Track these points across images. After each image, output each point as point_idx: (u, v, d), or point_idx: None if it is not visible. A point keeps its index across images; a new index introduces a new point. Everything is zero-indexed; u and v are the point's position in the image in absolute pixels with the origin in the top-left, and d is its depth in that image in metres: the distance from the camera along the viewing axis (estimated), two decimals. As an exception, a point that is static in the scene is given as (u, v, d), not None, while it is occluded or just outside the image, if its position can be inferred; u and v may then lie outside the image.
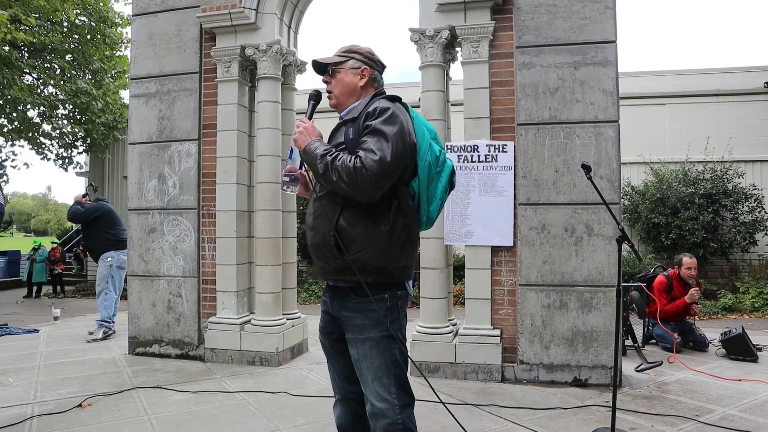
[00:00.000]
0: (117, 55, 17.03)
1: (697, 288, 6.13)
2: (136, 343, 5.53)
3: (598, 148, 4.52)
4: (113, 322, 6.66)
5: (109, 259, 6.72)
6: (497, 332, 4.60)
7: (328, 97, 2.24)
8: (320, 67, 2.24)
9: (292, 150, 2.20)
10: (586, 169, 3.51)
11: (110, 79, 16.88)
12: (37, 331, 7.12)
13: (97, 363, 5.29)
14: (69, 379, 4.73)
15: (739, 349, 5.45)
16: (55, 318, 8.23)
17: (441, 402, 2.42)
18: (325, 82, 2.25)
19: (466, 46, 4.73)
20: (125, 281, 6.19)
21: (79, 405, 3.97)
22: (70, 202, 7.09)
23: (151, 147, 5.48)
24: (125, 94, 18.14)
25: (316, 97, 2.27)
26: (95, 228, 6.84)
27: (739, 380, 4.68)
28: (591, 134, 4.54)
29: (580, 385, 4.46)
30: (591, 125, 4.55)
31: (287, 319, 5.38)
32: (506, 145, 4.67)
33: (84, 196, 7.02)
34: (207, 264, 5.36)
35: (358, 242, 2.01)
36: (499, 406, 3.90)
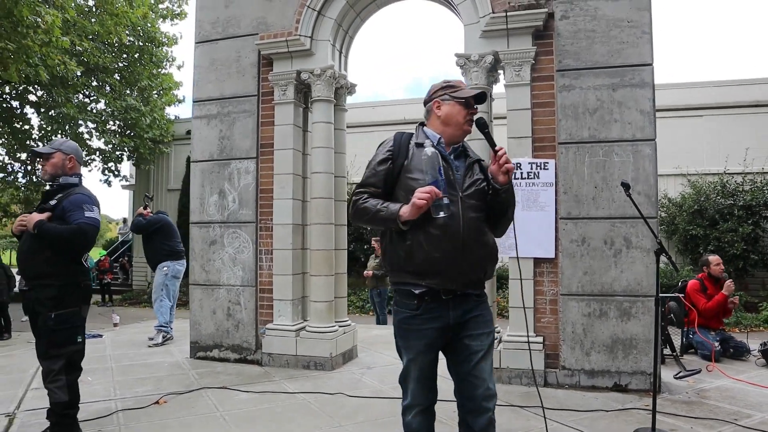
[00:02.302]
0: (162, 73, 17.87)
1: (731, 280, 6.28)
2: (198, 347, 5.94)
3: (636, 165, 4.76)
4: (171, 328, 7.11)
5: (165, 268, 7.16)
6: (540, 339, 4.85)
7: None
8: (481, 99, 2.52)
9: (440, 170, 2.28)
10: (626, 186, 3.78)
11: (156, 96, 17.67)
12: (101, 336, 7.61)
13: (163, 365, 5.71)
14: (142, 379, 5.15)
15: (778, 357, 5.57)
16: (115, 324, 8.77)
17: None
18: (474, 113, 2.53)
19: (509, 70, 5.03)
20: (186, 290, 6.61)
21: (156, 402, 4.37)
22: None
23: (212, 165, 5.92)
24: (170, 110, 19.00)
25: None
26: (154, 239, 7.31)
27: (778, 388, 4.82)
28: (629, 152, 4.78)
29: (620, 390, 4.67)
30: (629, 143, 4.79)
31: (339, 326, 5.72)
32: (548, 162, 4.95)
33: (145, 208, 7.50)
34: (264, 274, 5.74)
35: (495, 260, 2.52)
36: (547, 408, 4.15)
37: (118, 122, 16.56)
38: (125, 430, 3.75)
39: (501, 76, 5.33)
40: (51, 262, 3.24)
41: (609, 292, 4.75)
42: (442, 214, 2.23)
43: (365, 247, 13.10)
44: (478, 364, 2.40)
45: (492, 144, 2.44)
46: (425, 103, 2.60)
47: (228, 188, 5.83)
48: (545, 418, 3.15)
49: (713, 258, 6.48)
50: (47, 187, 3.59)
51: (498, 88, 5.55)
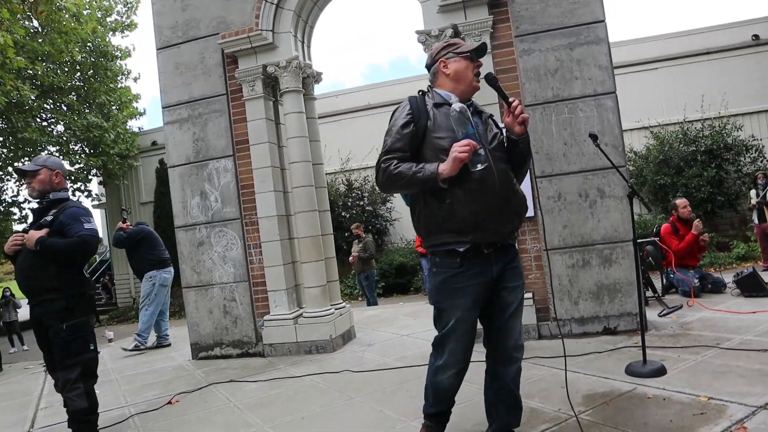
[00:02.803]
0: (119, 87, 17.63)
1: (698, 219, 6.59)
2: (199, 348, 6.02)
3: (600, 119, 4.97)
4: (145, 337, 7.16)
5: (151, 278, 7.20)
6: (529, 295, 5.05)
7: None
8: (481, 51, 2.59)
9: (471, 124, 2.37)
10: (593, 137, 3.97)
11: (116, 111, 17.43)
12: (98, 352, 7.60)
13: (167, 370, 5.79)
14: (149, 384, 5.23)
15: (751, 286, 5.89)
16: (110, 341, 8.77)
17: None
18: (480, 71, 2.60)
19: (470, 41, 5.17)
20: (175, 295, 6.67)
21: (169, 402, 4.47)
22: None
23: (190, 167, 5.97)
24: (132, 123, 18.76)
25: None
26: (138, 251, 7.33)
27: (754, 312, 5.13)
28: (592, 106, 4.99)
29: (610, 333, 4.91)
30: (591, 98, 4.99)
31: (335, 309, 5.86)
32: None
33: (124, 221, 7.50)
34: (255, 268, 5.84)
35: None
36: (541, 357, 4.37)
37: (82, 142, 16.33)
38: (144, 431, 3.85)
39: (462, 48, 5.47)
40: (56, 276, 3.33)
41: (589, 242, 4.98)
42: (479, 166, 2.30)
43: (346, 234, 13.22)
44: (512, 317, 2.54)
45: (505, 97, 2.48)
46: (429, 66, 2.65)
47: (209, 189, 5.90)
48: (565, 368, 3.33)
49: (680, 201, 6.81)
50: (35, 205, 3.64)
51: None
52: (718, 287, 6.42)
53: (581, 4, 4.99)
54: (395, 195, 14.99)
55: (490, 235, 2.42)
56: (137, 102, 18.51)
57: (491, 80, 2.53)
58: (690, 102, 13.26)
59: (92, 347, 3.44)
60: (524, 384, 2.67)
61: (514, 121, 2.43)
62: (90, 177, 17.45)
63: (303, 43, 6.03)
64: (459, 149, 2.25)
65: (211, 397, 4.51)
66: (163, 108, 6.08)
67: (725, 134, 12.56)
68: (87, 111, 16.08)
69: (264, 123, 5.71)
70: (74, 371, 3.32)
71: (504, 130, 2.54)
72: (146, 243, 7.31)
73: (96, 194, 19.09)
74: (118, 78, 17.52)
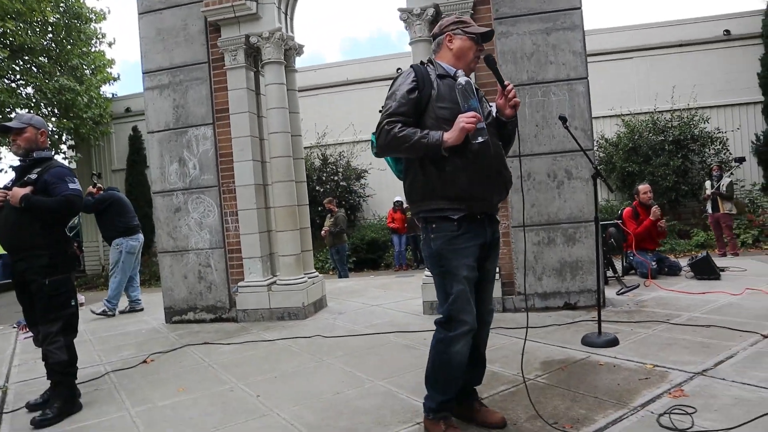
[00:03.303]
0: (93, 50, 17.26)
1: (657, 206, 6.92)
2: (172, 312, 6.13)
3: (572, 103, 5.17)
4: (114, 303, 7.19)
5: (118, 245, 7.14)
6: (496, 269, 5.27)
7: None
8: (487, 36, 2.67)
9: (476, 99, 2.45)
10: (563, 119, 4.15)
11: (90, 75, 17.09)
12: (82, 304, 7.65)
13: (141, 332, 5.89)
14: (123, 345, 5.33)
15: (704, 269, 6.24)
16: (81, 304, 8.76)
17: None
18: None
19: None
20: (146, 263, 6.72)
21: (144, 361, 4.59)
22: None
23: (169, 134, 6.00)
24: (106, 89, 18.40)
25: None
26: (106, 216, 7.26)
27: (704, 293, 5.47)
28: (565, 90, 5.18)
29: (570, 308, 5.18)
30: (564, 83, 5.19)
31: (308, 278, 6.01)
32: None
33: (94, 186, 7.43)
34: (231, 235, 5.95)
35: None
36: (504, 328, 4.60)
37: (53, 105, 15.99)
38: (121, 387, 3.96)
39: (443, 28, 5.60)
40: (40, 234, 3.39)
41: (555, 221, 5.21)
42: (480, 139, 2.40)
43: (319, 209, 13.32)
44: (488, 286, 2.74)
45: (501, 80, 2.57)
46: (435, 36, 2.72)
47: (187, 155, 5.95)
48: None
49: (642, 187, 7.14)
50: (18, 162, 3.67)
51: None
52: (674, 270, 6.77)
53: (559, -10, 5.15)
54: (369, 171, 15.23)
55: (482, 204, 2.56)
56: (111, 67, 18.13)
57: (490, 62, 2.62)
58: (661, 92, 13.59)
59: (73, 303, 3.53)
60: (487, 351, 2.85)
61: (506, 104, 2.56)
62: (62, 141, 17.13)
63: (286, 14, 6.08)
64: (466, 120, 2.35)
65: (186, 357, 4.65)
66: (143, 73, 6.08)
67: (693, 126, 12.96)
68: (59, 74, 15.72)
69: (245, 93, 5.77)
70: (56, 325, 3.41)
71: (494, 111, 2.66)
72: (115, 209, 7.24)
73: (67, 158, 18.75)
74: (92, 41, 17.14)
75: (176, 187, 6.01)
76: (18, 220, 3.38)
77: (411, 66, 2.65)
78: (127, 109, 18.46)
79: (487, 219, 2.63)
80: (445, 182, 2.48)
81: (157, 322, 6.29)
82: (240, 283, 5.89)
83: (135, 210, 7.60)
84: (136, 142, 17.31)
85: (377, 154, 2.69)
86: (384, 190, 15.39)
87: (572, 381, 3.26)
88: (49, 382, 3.50)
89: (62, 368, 3.45)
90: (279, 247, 5.90)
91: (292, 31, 6.21)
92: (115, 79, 18.34)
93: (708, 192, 10.18)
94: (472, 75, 2.80)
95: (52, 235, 3.45)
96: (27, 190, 3.38)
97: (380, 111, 2.61)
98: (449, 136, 2.38)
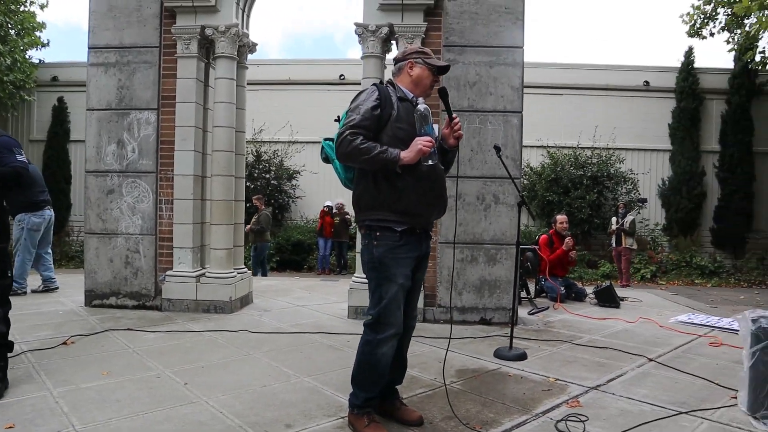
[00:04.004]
0: (21, 10, 16.32)
1: (570, 237, 7.51)
2: (93, 295, 6.00)
3: (506, 133, 5.58)
4: (22, 283, 6.83)
5: (20, 222, 6.77)
6: (421, 281, 5.58)
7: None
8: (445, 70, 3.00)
9: (431, 125, 2.72)
10: (497, 149, 4.51)
11: (16, 37, 16.14)
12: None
13: (58, 313, 5.73)
14: (39, 325, 5.18)
15: (606, 298, 6.86)
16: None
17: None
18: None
19: (402, 42, 5.58)
20: (57, 242, 6.51)
21: (64, 343, 4.50)
22: None
23: (110, 114, 5.91)
24: (33, 54, 17.41)
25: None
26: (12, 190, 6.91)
27: (604, 319, 6.04)
28: (500, 121, 5.59)
29: (486, 323, 5.56)
30: (500, 114, 5.59)
31: (237, 273, 6.08)
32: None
33: None
34: (164, 223, 5.92)
35: None
36: (424, 337, 4.89)
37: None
38: (40, 367, 3.88)
39: (394, 47, 5.88)
40: None
41: (479, 241, 5.58)
42: (430, 162, 2.67)
43: (248, 205, 13.21)
44: (415, 294, 2.99)
45: (450, 112, 2.85)
46: (397, 60, 2.95)
47: (127, 138, 5.88)
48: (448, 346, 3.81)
49: (560, 217, 7.74)
50: None
51: (390, 58, 6.11)
52: (580, 296, 7.37)
53: (505, 28, 5.55)
54: (301, 173, 15.29)
55: (422, 220, 2.82)
56: (41, 31, 17.20)
57: (443, 94, 2.89)
58: (585, 130, 14.59)
59: (9, 274, 3.47)
60: (407, 357, 3.12)
61: (450, 134, 2.84)
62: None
63: (244, 11, 6.15)
64: (423, 143, 2.60)
65: (108, 342, 4.61)
66: (89, 48, 5.95)
67: (609, 164, 14.00)
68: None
69: (194, 83, 5.79)
70: None
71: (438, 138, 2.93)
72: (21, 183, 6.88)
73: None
74: (22, 0, 16.21)
75: (112, 168, 5.91)
76: None
77: (374, 84, 2.87)
78: (54, 78, 17.55)
79: (424, 234, 2.89)
80: (395, 197, 2.71)
81: (75, 305, 6.13)
82: (168, 272, 5.87)
83: (50, 185, 7.22)
84: (60, 114, 16.50)
85: (325, 160, 2.93)
86: (314, 193, 15.53)
87: (483, 388, 3.57)
88: None
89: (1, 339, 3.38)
90: (212, 240, 5.94)
91: (247, 29, 6.29)
92: (44, 45, 17.40)
93: (613, 227, 11.07)
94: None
95: None
96: None
97: (336, 120, 2.84)
98: (406, 155, 2.62)
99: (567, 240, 7.42)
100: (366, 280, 2.92)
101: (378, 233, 2.76)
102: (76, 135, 16.01)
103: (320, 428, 2.88)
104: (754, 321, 3.07)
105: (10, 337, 3.51)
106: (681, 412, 3.16)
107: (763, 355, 3.03)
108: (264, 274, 11.42)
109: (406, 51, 2.97)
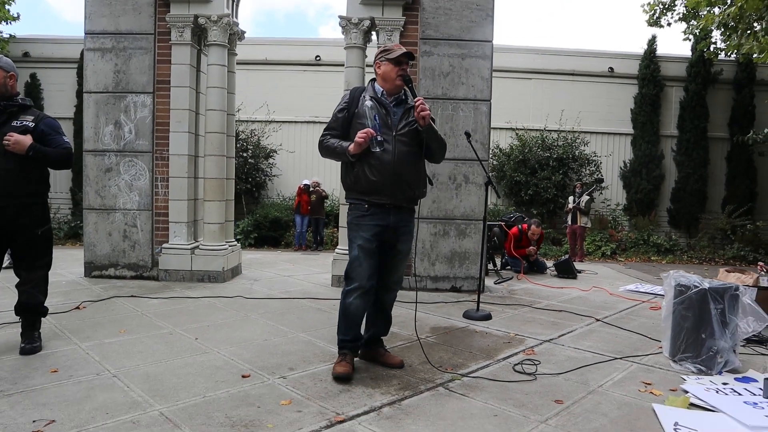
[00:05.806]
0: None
1: (535, 248, 8.13)
2: (93, 267, 6.44)
3: (476, 119, 6.16)
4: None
5: None
6: (399, 253, 6.17)
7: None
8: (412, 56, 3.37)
9: (376, 117, 3.19)
10: (468, 135, 5.09)
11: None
12: None
13: (62, 283, 6.15)
14: (48, 293, 5.58)
15: (565, 270, 7.57)
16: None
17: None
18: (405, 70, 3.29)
19: (383, 34, 6.08)
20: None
21: (77, 307, 4.97)
22: None
23: (107, 96, 6.29)
24: (3, 28, 17.24)
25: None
26: None
27: (561, 288, 6.73)
28: (471, 109, 6.16)
29: (456, 291, 6.20)
30: (471, 102, 6.16)
31: (228, 246, 6.58)
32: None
33: None
34: (160, 199, 6.37)
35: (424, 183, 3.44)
36: (401, 302, 5.44)
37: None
38: (62, 327, 4.34)
39: (374, 38, 6.38)
40: (38, 182, 3.54)
41: (451, 217, 6.19)
42: (378, 148, 3.16)
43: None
44: (398, 261, 3.47)
45: (413, 95, 3.25)
46: (373, 64, 3.38)
47: (124, 119, 6.28)
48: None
49: (534, 229, 8.30)
50: None
51: (372, 50, 6.59)
52: (542, 269, 8.07)
53: (477, 23, 6.10)
54: (278, 152, 15.67)
55: (384, 198, 3.28)
56: (11, 5, 17.03)
57: (406, 80, 3.32)
58: (552, 113, 15.26)
59: (52, 251, 3.82)
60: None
61: (417, 115, 3.28)
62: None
63: (233, 1, 6.55)
64: (359, 136, 3.08)
65: (117, 306, 5.09)
66: (86, 33, 6.29)
67: (574, 147, 14.72)
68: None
69: (188, 69, 6.20)
70: (42, 270, 3.71)
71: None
72: None
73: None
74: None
75: (110, 148, 6.31)
76: (16, 167, 3.36)
77: (351, 89, 3.45)
78: (26, 54, 17.42)
79: (394, 209, 3.32)
80: (355, 180, 3.28)
81: (75, 276, 6.55)
82: (164, 245, 6.33)
83: None
84: (33, 91, 16.45)
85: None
86: (290, 171, 15.92)
87: (454, 341, 4.19)
88: (21, 320, 3.72)
89: (41, 307, 3.75)
90: (205, 215, 6.42)
91: (237, 18, 6.69)
92: (14, 19, 17.26)
93: (570, 206, 11.80)
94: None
95: (45, 186, 3.63)
96: (29, 138, 3.36)
97: None
98: (351, 147, 3.16)
99: (530, 249, 8.03)
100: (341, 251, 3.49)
101: (352, 204, 3.37)
102: (49, 112, 15.94)
103: (318, 370, 3.45)
104: (675, 279, 3.74)
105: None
106: (616, 358, 3.83)
107: (681, 309, 3.70)
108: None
109: (375, 55, 3.43)
